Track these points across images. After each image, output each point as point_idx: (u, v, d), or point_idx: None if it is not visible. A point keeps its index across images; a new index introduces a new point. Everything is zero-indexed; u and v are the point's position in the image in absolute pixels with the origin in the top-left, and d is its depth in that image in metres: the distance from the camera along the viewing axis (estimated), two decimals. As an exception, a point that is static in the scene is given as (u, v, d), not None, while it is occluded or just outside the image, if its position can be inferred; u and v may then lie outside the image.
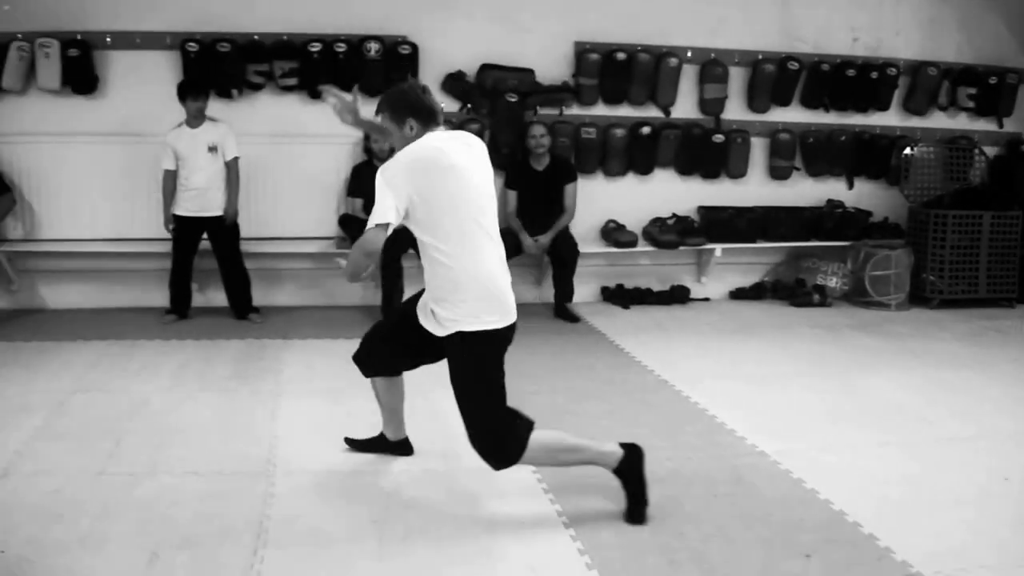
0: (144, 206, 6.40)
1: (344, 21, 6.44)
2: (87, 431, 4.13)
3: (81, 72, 6.23)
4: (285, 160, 6.56)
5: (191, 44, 6.23)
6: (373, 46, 6.40)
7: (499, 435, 3.09)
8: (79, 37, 6.20)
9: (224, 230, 6.09)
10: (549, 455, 3.15)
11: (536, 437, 3.08)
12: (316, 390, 4.80)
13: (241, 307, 6.25)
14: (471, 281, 3.02)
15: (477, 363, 3.09)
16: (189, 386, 4.86)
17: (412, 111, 3.12)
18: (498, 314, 3.07)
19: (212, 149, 5.98)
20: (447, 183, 3.00)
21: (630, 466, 3.20)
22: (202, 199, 6.00)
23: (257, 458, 3.80)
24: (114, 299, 6.59)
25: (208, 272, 6.34)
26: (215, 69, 6.29)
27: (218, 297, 6.46)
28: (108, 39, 6.30)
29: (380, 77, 6.42)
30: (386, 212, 2.91)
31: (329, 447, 3.94)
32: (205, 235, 6.12)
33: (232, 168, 6.06)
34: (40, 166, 6.43)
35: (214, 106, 6.13)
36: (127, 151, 6.45)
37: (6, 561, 2.93)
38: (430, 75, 6.55)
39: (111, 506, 3.33)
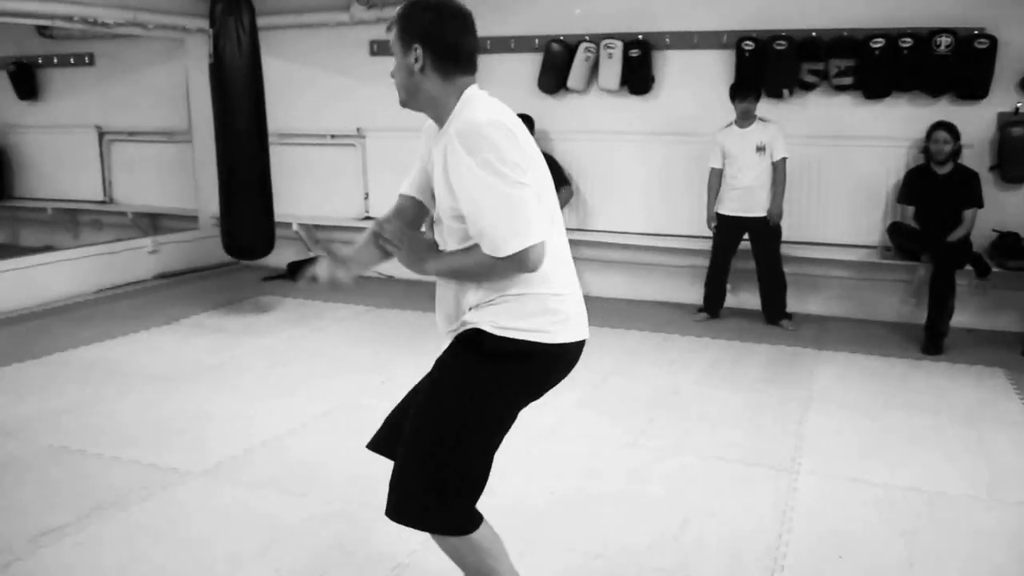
0: (684, 204, 6.51)
1: (911, 14, 5.92)
2: (622, 408, 4.44)
3: (639, 72, 6.50)
4: (833, 162, 6.23)
5: (747, 43, 6.18)
6: (943, 40, 5.80)
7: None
8: (640, 38, 6.48)
9: (766, 231, 5.94)
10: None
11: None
12: (848, 403, 4.55)
13: (774, 312, 6.07)
14: None
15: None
16: (718, 382, 4.89)
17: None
18: None
19: (760, 149, 5.87)
20: None
21: None
22: (747, 199, 5.92)
23: (781, 456, 3.81)
24: (648, 292, 6.81)
25: (742, 273, 6.26)
26: (769, 67, 6.17)
27: (750, 300, 6.36)
28: (667, 39, 6.50)
29: (947, 76, 5.83)
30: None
31: (857, 457, 3.83)
32: (746, 236, 6.03)
33: (779, 169, 5.89)
34: (594, 161, 6.86)
35: (763, 105, 6.02)
36: (671, 149, 6.63)
37: (553, 502, 3.32)
38: (1008, 73, 5.78)
39: (641, 472, 3.66)
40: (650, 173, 6.74)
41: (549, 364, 2.18)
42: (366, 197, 7.74)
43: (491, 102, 2.13)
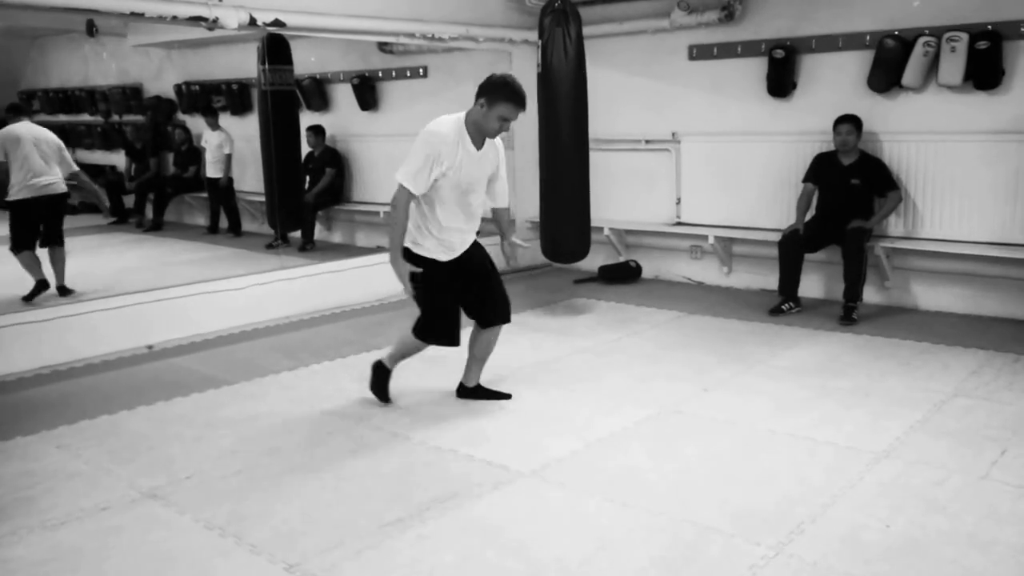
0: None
1: None
2: (968, 435, 4.05)
3: (986, 66, 5.91)
4: None
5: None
6: None
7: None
8: (990, 28, 5.89)
9: None
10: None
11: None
12: None
13: None
14: None
15: None
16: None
17: None
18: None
19: None
20: None
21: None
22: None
23: None
24: (989, 307, 6.21)
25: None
26: None
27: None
28: (1023, 28, 5.86)
29: None
30: None
31: None
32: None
33: None
34: (928, 164, 6.34)
35: None
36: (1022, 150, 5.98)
37: (888, 539, 2.94)
38: None
39: (998, 513, 3.26)
40: (993, 176, 6.11)
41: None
42: (678, 202, 7.68)
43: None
